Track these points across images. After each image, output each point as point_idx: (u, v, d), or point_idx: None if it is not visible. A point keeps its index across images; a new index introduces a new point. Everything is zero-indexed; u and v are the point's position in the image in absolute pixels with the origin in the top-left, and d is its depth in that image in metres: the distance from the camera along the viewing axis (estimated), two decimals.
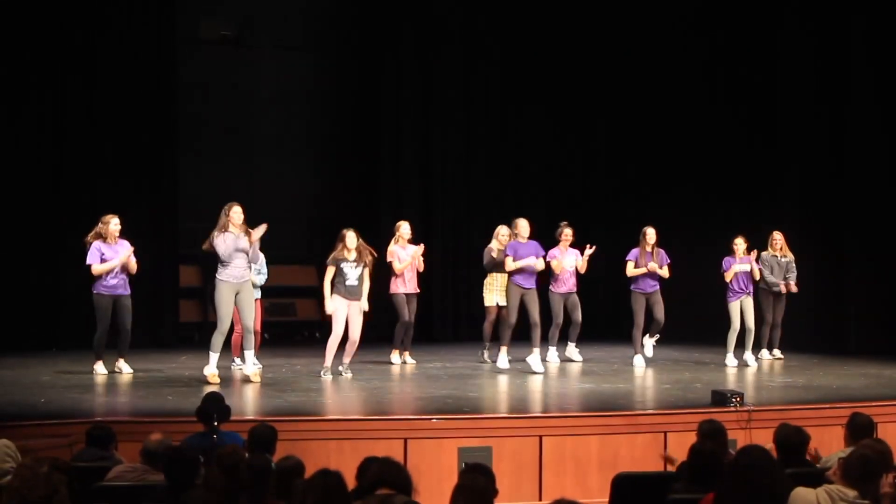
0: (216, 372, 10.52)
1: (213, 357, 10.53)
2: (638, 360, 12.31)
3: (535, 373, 11.45)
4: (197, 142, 15.70)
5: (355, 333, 10.93)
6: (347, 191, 16.37)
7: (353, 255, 10.82)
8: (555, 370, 12.25)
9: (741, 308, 12.44)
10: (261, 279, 11.76)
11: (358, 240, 10.90)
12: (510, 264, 11.54)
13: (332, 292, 10.87)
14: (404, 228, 12.44)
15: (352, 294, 10.84)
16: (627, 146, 16.39)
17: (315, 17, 16.39)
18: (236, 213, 10.57)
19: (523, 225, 11.74)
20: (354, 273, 10.81)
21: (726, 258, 12.49)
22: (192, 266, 15.32)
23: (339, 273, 10.81)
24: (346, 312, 10.85)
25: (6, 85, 13.90)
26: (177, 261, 15.07)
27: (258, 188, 15.77)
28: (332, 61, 16.55)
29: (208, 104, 15.94)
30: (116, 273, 11.08)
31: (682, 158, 15.91)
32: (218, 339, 10.50)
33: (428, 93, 16.16)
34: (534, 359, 11.59)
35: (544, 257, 11.88)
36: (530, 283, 11.60)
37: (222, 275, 10.50)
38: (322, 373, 10.92)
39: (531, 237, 11.77)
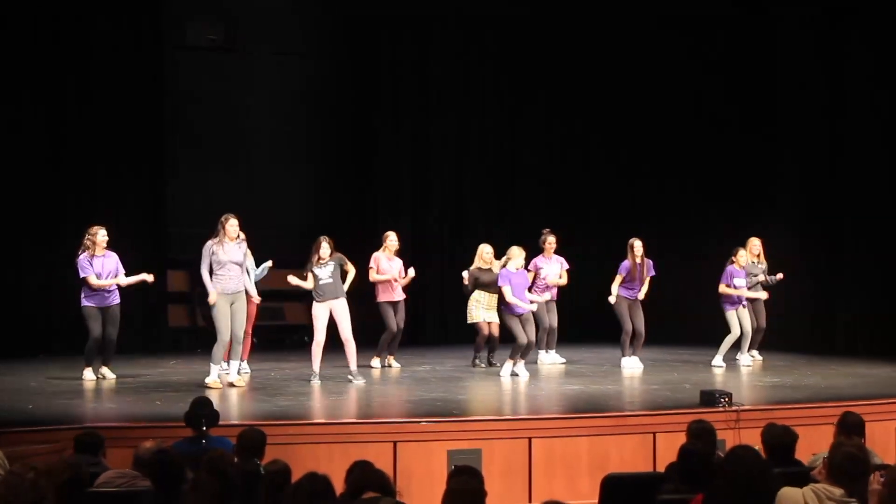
0: (217, 380, 10.57)
1: (215, 368, 10.64)
2: (626, 362, 12.33)
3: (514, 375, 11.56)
4: (190, 146, 15.65)
5: (346, 332, 10.84)
6: (341, 194, 16.31)
7: (323, 260, 10.79)
8: (545, 372, 12.26)
9: (738, 316, 12.47)
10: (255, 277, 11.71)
11: (331, 248, 10.85)
12: (508, 296, 11.55)
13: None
14: (391, 239, 12.42)
15: (327, 294, 10.74)
16: (621, 149, 16.36)
17: (307, 20, 16.31)
18: (233, 226, 10.60)
19: (516, 252, 11.70)
20: (325, 272, 10.73)
21: (730, 267, 12.48)
22: (181, 271, 15.28)
23: (314, 278, 10.79)
24: (326, 317, 10.80)
25: None
26: (165, 266, 15.03)
27: (248, 192, 15.72)
28: (326, 65, 16.48)
29: (198, 109, 15.85)
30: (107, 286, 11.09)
31: (678, 161, 15.92)
32: (219, 351, 10.63)
33: (423, 98, 16.16)
34: (506, 368, 11.66)
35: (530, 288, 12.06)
36: (522, 309, 11.65)
37: (216, 286, 10.51)
38: (311, 378, 10.86)
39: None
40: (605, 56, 16.20)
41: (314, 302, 10.84)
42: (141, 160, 14.65)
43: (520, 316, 11.62)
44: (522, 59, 16.32)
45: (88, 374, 11.15)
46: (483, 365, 12.43)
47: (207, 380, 10.57)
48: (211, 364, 10.63)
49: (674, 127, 15.95)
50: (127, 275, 11.21)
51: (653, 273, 12.51)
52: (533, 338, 11.65)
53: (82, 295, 11.08)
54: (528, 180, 16.53)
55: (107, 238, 11.13)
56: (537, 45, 16.28)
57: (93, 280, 10.96)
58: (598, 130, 16.56)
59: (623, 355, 12.41)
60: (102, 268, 11.03)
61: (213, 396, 9.44)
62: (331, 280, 10.74)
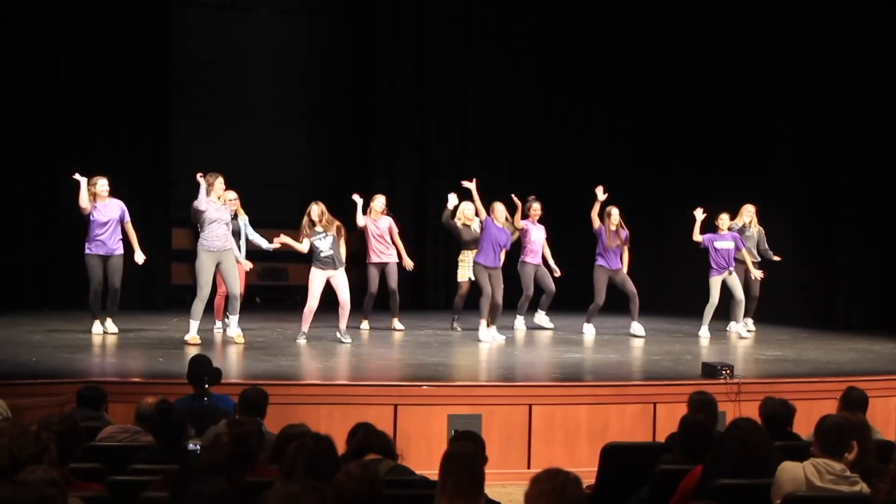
0: (196, 335, 10.57)
1: (194, 324, 10.64)
2: (588, 329, 12.41)
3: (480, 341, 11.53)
4: (191, 105, 15.63)
5: (344, 296, 10.92)
6: (341, 155, 16.34)
7: (319, 228, 10.82)
8: (546, 339, 12.28)
9: (724, 283, 12.43)
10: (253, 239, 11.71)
11: (323, 213, 10.88)
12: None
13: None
14: (378, 202, 12.40)
15: (327, 265, 10.84)
16: (622, 123, 16.30)
17: None
18: (220, 183, 10.66)
19: (499, 208, 11.84)
20: (326, 243, 10.81)
21: (708, 235, 12.47)
22: (185, 229, 15.25)
23: (313, 246, 10.84)
24: (322, 284, 10.87)
25: None
26: (169, 223, 15.04)
27: (252, 152, 15.72)
28: (327, 25, 16.48)
29: (203, 68, 15.83)
30: (109, 231, 11.03)
31: (678, 133, 15.87)
32: (199, 307, 10.61)
33: (421, 59, 16.07)
34: (483, 332, 11.63)
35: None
36: (494, 262, 11.69)
37: (202, 243, 10.56)
38: (297, 338, 10.97)
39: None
40: (605, 31, 16.08)
41: (312, 267, 10.89)
42: (145, 117, 14.58)
43: (489, 270, 11.63)
44: (523, 21, 16.18)
45: (97, 327, 11.17)
46: (460, 330, 12.42)
47: (187, 336, 10.56)
48: (190, 320, 10.61)
49: (677, 104, 15.87)
50: (133, 225, 11.21)
51: (626, 244, 12.48)
52: (500, 299, 11.66)
53: (85, 243, 11.08)
54: (530, 144, 16.44)
55: (107, 188, 11.09)
56: (538, 7, 16.17)
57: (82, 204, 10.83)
58: (597, 105, 16.44)
59: (587, 321, 12.49)
60: (104, 212, 10.99)
61: (216, 355, 9.47)
62: (331, 252, 10.83)
